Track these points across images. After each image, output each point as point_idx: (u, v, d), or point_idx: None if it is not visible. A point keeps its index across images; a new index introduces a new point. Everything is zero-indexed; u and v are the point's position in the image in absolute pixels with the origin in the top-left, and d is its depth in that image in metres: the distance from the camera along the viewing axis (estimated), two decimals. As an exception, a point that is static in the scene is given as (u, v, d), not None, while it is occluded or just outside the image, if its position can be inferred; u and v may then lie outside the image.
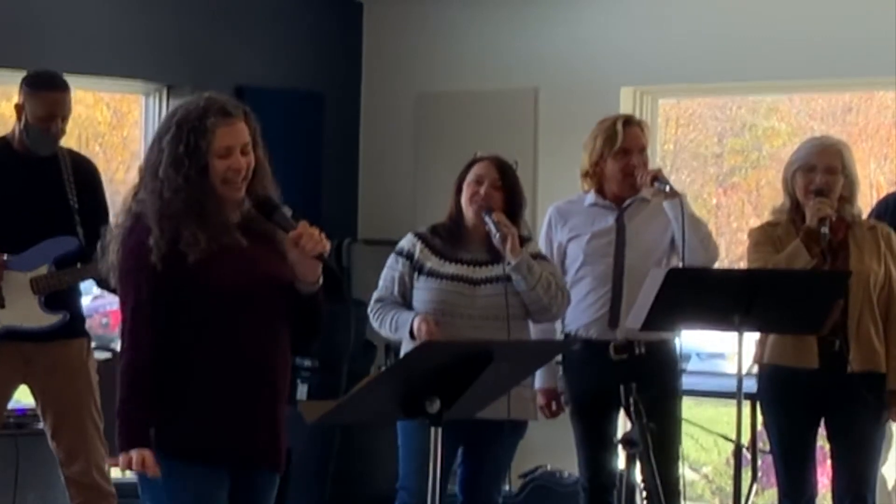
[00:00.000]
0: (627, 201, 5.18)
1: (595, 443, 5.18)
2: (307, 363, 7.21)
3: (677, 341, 5.19)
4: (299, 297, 3.62)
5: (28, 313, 5.05)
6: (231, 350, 3.55)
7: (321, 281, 3.61)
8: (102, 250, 3.67)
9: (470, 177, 4.96)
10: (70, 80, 5.19)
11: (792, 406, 4.97)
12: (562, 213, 5.27)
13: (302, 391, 7.15)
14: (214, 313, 3.54)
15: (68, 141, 5.39)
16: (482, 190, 4.90)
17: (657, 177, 5.04)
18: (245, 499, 3.69)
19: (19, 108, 5.08)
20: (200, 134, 3.54)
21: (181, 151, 3.54)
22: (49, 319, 5.06)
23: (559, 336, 5.16)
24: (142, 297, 3.53)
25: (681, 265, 4.97)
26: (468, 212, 4.95)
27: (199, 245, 3.51)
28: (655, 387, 4.77)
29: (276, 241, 3.63)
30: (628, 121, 5.25)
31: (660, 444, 4.49)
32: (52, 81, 5.12)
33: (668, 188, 5.01)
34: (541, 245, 5.24)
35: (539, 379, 5.14)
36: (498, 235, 4.80)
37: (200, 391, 3.56)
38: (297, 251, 3.56)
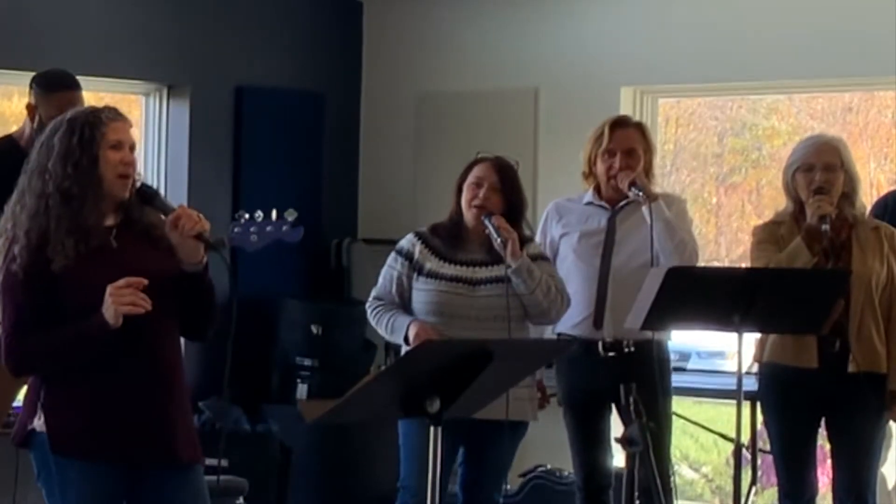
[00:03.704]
0: (622, 203, 5.19)
1: (589, 442, 5.19)
2: (307, 363, 7.22)
3: (669, 342, 5.21)
4: (188, 279, 3.65)
5: None
6: (112, 350, 3.55)
7: (205, 261, 3.65)
8: None
9: (470, 178, 4.96)
10: (70, 80, 5.20)
11: (792, 406, 4.97)
12: (559, 209, 5.29)
13: (302, 391, 7.16)
14: (88, 314, 3.54)
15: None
16: (481, 193, 4.90)
17: (634, 182, 5.04)
18: (149, 496, 3.69)
19: (32, 109, 5.08)
20: (95, 126, 3.62)
21: (74, 142, 3.60)
22: None
23: (551, 335, 5.17)
24: (17, 310, 3.59)
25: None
26: (468, 214, 4.95)
27: (64, 252, 3.55)
28: (646, 385, 4.76)
29: (158, 236, 3.68)
30: (618, 122, 5.24)
31: (652, 442, 4.50)
32: (65, 80, 5.13)
33: (640, 194, 5.01)
34: (538, 240, 5.26)
35: None
36: (499, 240, 4.80)
37: (85, 390, 3.60)
38: (176, 233, 3.61)
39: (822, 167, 4.92)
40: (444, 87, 7.66)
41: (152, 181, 6.68)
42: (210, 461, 3.96)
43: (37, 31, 6.48)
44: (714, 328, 4.88)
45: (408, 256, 4.97)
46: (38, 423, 3.63)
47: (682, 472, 7.77)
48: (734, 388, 4.72)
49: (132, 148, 3.69)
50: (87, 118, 3.64)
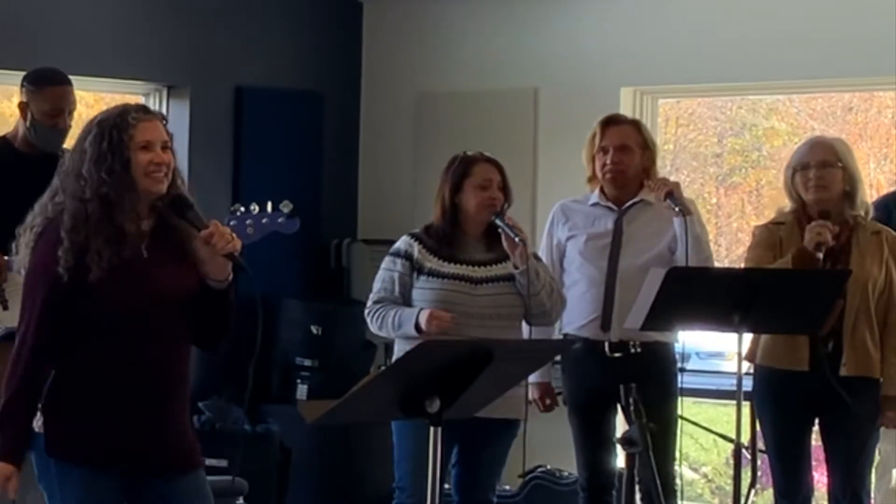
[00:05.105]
0: (628, 203, 5.18)
1: (593, 442, 5.19)
2: (307, 363, 7.22)
3: (676, 343, 5.21)
4: (210, 293, 3.65)
5: None
6: (123, 361, 3.56)
7: (231, 278, 3.65)
8: (16, 248, 3.70)
9: (475, 180, 4.93)
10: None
11: (785, 407, 4.97)
12: (565, 211, 5.28)
13: (302, 391, 7.16)
14: (110, 325, 3.56)
15: (68, 141, 5.39)
16: (493, 194, 4.90)
17: (672, 193, 5.01)
18: (151, 502, 3.69)
19: (23, 107, 5.08)
20: (122, 128, 3.59)
21: (104, 147, 3.58)
22: None
23: (558, 336, 5.17)
24: (44, 305, 3.57)
25: None
26: (478, 215, 4.93)
27: (102, 262, 3.54)
28: (651, 386, 4.76)
29: (185, 248, 3.66)
30: (609, 120, 5.24)
31: (656, 443, 4.49)
32: (55, 77, 5.13)
33: (677, 208, 4.98)
34: (542, 242, 5.27)
35: (533, 374, 5.13)
36: (516, 239, 4.80)
37: (90, 398, 3.58)
38: (207, 249, 3.60)
39: (816, 164, 4.92)
40: (443, 88, 7.66)
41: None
42: (210, 461, 3.96)
43: (37, 32, 6.48)
44: (714, 328, 4.88)
45: (407, 257, 4.96)
46: (38, 424, 3.61)
47: (683, 473, 7.77)
48: (734, 388, 4.73)
49: (165, 145, 3.63)
50: (114, 121, 3.60)
